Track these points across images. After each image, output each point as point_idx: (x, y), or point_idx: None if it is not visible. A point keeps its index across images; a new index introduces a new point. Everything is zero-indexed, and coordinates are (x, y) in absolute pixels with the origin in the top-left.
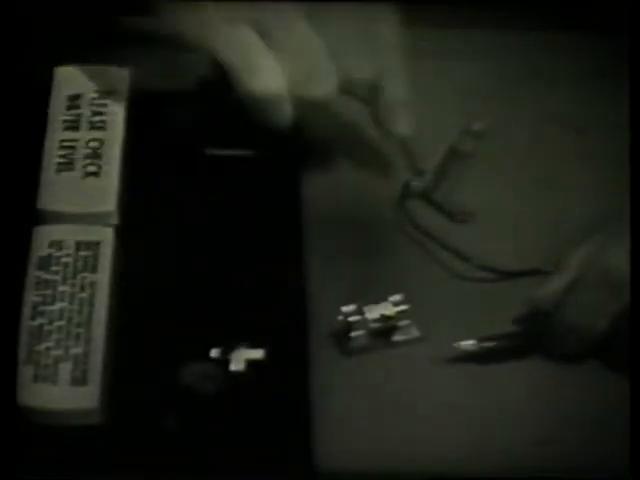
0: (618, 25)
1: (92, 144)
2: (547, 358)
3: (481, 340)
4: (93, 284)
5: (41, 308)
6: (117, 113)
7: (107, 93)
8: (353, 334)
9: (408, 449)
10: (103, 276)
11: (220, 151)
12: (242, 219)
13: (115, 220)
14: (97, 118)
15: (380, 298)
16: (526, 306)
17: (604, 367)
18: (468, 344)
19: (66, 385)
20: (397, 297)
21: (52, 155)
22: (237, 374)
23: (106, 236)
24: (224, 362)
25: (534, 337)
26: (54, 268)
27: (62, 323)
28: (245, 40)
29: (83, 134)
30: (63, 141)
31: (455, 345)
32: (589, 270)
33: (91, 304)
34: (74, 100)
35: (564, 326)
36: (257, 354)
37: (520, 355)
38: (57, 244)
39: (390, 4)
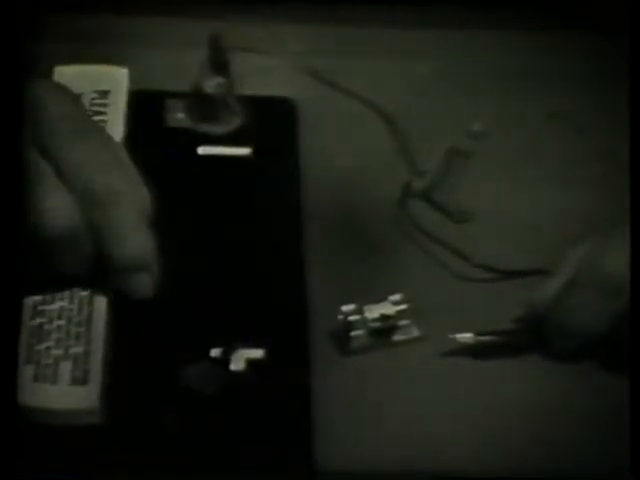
0: (618, 25)
1: None
2: (545, 357)
3: (478, 334)
4: None
5: (41, 307)
6: (117, 113)
7: (107, 93)
8: (353, 333)
9: (408, 449)
10: None
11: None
12: (242, 219)
13: None
14: (97, 118)
15: (380, 298)
16: (523, 308)
17: (602, 368)
18: (465, 337)
19: (66, 385)
20: (397, 297)
21: None
22: (237, 374)
23: None
24: (224, 362)
25: (531, 336)
26: None
27: (62, 322)
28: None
29: None
30: None
31: (452, 337)
32: (586, 271)
33: (91, 303)
34: None
35: (560, 327)
36: (257, 354)
37: (517, 352)
38: None
39: None
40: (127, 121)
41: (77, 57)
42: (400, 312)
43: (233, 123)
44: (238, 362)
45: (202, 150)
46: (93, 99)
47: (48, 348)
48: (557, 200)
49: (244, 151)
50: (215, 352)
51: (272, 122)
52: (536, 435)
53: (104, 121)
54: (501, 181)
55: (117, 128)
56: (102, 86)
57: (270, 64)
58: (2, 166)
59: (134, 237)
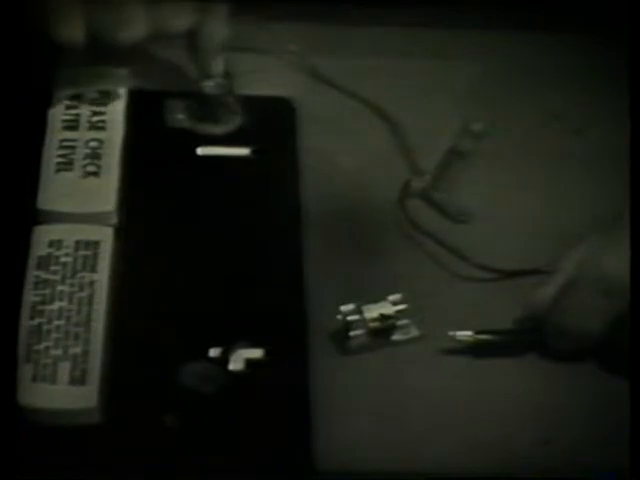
0: (618, 25)
1: (92, 144)
2: (544, 357)
3: (478, 333)
4: (92, 284)
5: (40, 308)
6: (117, 113)
7: (107, 93)
8: (352, 333)
9: (408, 448)
10: (102, 276)
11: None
12: (242, 219)
13: (114, 220)
14: (97, 118)
15: (379, 297)
16: (522, 308)
17: (601, 368)
18: (464, 334)
19: (65, 385)
20: (396, 296)
21: (52, 155)
22: (237, 374)
23: (106, 236)
24: (223, 362)
25: (530, 336)
26: (53, 268)
27: (61, 323)
28: None
29: (83, 134)
30: (63, 141)
31: (451, 335)
32: (585, 271)
33: (90, 304)
34: (74, 100)
35: (559, 327)
36: (257, 354)
37: (517, 352)
38: (56, 244)
39: None
40: (127, 121)
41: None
42: (399, 312)
43: (233, 123)
44: (238, 362)
45: (202, 150)
46: (93, 99)
47: (47, 348)
48: (557, 200)
49: (244, 151)
50: (214, 352)
51: (272, 122)
52: (536, 435)
53: (104, 121)
54: (501, 181)
55: (117, 128)
56: (102, 86)
57: (270, 64)
58: None
59: None
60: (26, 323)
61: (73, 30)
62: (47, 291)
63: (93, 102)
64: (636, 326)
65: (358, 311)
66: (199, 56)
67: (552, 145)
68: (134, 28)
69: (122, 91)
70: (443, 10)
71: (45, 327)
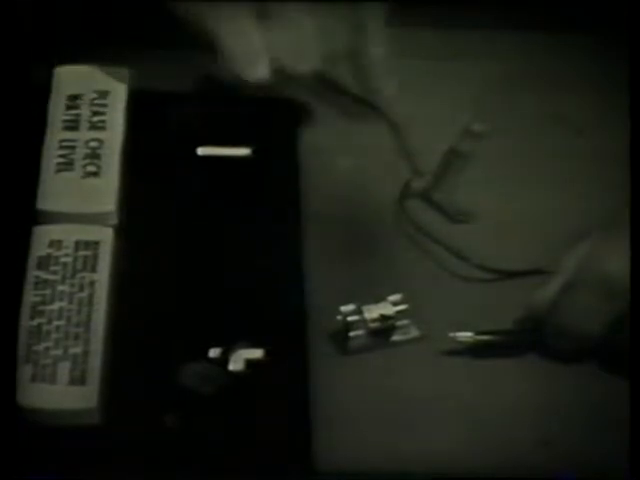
0: (618, 25)
1: (92, 144)
2: (544, 358)
3: (478, 333)
4: (92, 284)
5: (40, 308)
6: (117, 113)
7: (107, 93)
8: (352, 334)
9: (408, 449)
10: (102, 276)
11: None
12: (242, 219)
13: (115, 220)
14: (97, 118)
15: (379, 298)
16: (522, 309)
17: (602, 368)
18: (465, 336)
19: (65, 385)
20: (396, 297)
21: (52, 155)
22: (237, 374)
23: (106, 236)
24: (223, 362)
25: (530, 337)
26: (53, 268)
27: (61, 323)
28: (244, 28)
29: (83, 134)
30: (63, 141)
31: (451, 336)
32: (585, 272)
33: (90, 304)
34: (74, 100)
35: (559, 327)
36: (257, 354)
37: (517, 352)
38: (56, 244)
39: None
40: (127, 121)
41: (77, 57)
42: (399, 312)
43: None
44: (237, 362)
45: (202, 150)
46: (93, 99)
47: (47, 348)
48: (557, 200)
49: (244, 151)
50: (214, 352)
51: (272, 122)
52: (536, 435)
53: (104, 121)
54: (501, 181)
55: (117, 128)
56: (102, 86)
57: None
58: None
59: None
60: (26, 323)
61: (262, 70)
62: (47, 291)
63: (93, 102)
64: (636, 326)
65: (358, 311)
66: (367, 74)
67: (552, 145)
68: (312, 57)
69: (122, 91)
70: (443, 10)
71: (45, 327)
